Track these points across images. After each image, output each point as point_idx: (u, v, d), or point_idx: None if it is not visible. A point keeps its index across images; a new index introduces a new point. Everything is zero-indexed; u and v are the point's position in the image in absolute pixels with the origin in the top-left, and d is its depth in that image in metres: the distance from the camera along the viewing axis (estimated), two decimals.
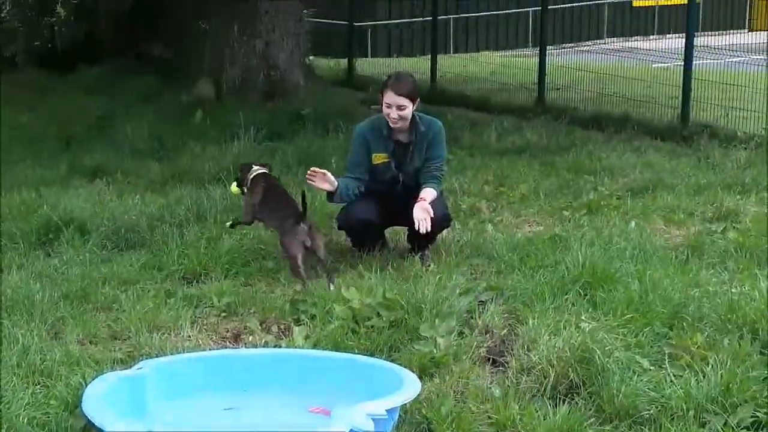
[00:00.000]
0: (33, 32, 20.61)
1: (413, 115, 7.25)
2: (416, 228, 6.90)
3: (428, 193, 7.09)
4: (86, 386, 4.77)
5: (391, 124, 7.20)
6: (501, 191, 9.50)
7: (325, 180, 7.05)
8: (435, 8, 18.60)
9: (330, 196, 7.21)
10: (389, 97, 7.14)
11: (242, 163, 8.01)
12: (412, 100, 7.16)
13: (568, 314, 5.76)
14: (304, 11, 16.83)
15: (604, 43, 26.80)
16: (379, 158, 7.28)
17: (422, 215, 6.90)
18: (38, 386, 5.00)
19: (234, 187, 7.55)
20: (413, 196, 7.08)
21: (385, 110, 7.18)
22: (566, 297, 6.12)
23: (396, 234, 7.81)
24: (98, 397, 4.55)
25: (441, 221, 7.19)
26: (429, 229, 6.90)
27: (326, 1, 23.91)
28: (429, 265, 7.01)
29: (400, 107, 7.12)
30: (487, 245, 7.52)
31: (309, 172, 7.09)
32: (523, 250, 7.26)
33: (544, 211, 8.85)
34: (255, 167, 7.48)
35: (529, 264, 6.88)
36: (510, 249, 7.29)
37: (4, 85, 18.43)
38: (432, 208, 6.96)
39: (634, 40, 27.27)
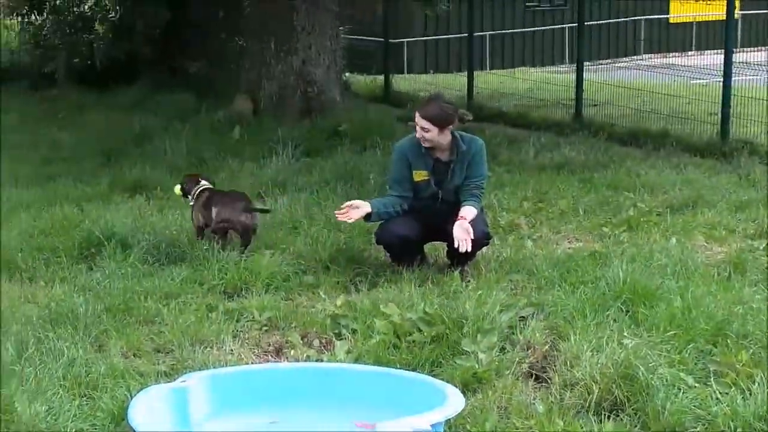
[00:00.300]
0: (72, 49, 20.74)
1: (453, 134, 7.27)
2: (457, 247, 6.94)
3: (468, 212, 7.11)
4: (131, 399, 4.80)
5: (422, 143, 7.25)
6: (540, 207, 9.48)
7: (356, 208, 7.11)
8: (471, 24, 18.59)
9: (368, 216, 7.24)
10: (416, 117, 7.25)
11: (187, 174, 8.89)
12: (436, 126, 7.18)
13: (610, 330, 5.75)
14: (341, 28, 16.87)
15: (641, 60, 26.73)
16: (419, 175, 7.31)
17: (462, 235, 6.93)
18: (84, 398, 5.05)
19: (177, 189, 8.48)
20: (453, 213, 7.11)
21: (416, 128, 7.24)
22: (608, 313, 6.10)
23: (435, 249, 7.82)
24: (144, 410, 4.57)
25: (481, 239, 7.21)
26: (469, 249, 6.94)
27: (362, 18, 23.98)
28: (469, 281, 7.01)
29: (423, 129, 7.19)
30: (526, 261, 7.52)
31: (337, 212, 7.17)
32: (564, 266, 7.26)
33: (583, 227, 8.83)
34: (202, 182, 8.34)
35: (569, 280, 6.87)
36: (550, 265, 7.29)
37: (44, 101, 18.61)
38: (472, 226, 6.99)
39: (672, 57, 27.20)
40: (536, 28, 29.00)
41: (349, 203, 7.20)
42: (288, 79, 15.08)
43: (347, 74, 19.13)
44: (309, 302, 6.82)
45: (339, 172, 10.83)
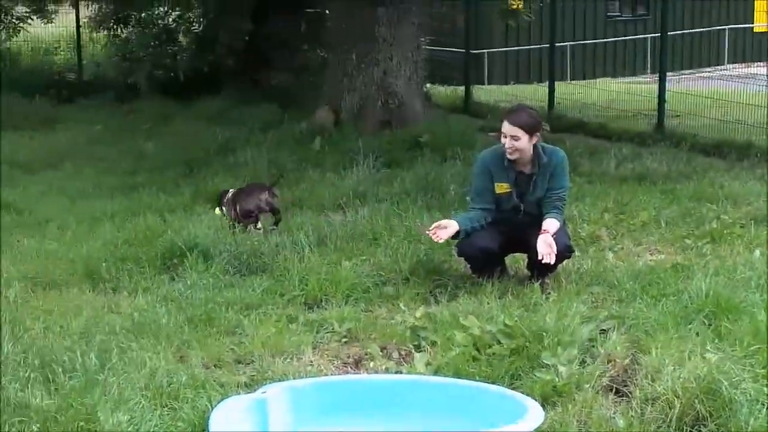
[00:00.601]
0: (156, 61, 21.00)
1: (535, 146, 7.25)
2: (539, 259, 6.93)
3: (551, 224, 7.09)
4: (212, 409, 4.84)
5: (507, 155, 7.23)
6: (621, 219, 9.40)
7: (445, 227, 7.11)
8: (553, 34, 18.52)
9: (456, 234, 7.24)
10: (505, 126, 7.22)
11: (221, 190, 9.89)
12: (527, 132, 7.17)
13: (692, 344, 5.68)
14: (422, 39, 16.88)
15: (725, 69, 26.43)
16: (501, 188, 7.31)
17: (545, 249, 6.92)
18: (165, 408, 5.10)
19: (217, 211, 9.47)
20: (535, 225, 7.10)
21: (502, 139, 7.23)
22: (690, 327, 6.04)
23: (515, 261, 7.80)
24: (224, 421, 4.61)
25: (563, 252, 7.18)
26: (552, 262, 6.93)
27: (443, 29, 24.00)
28: (549, 293, 6.98)
29: (513, 137, 7.16)
30: (607, 273, 7.47)
31: (427, 232, 7.19)
32: (645, 278, 7.20)
33: (665, 239, 8.74)
34: (230, 190, 9.54)
35: (651, 293, 6.82)
36: (631, 277, 7.24)
37: (128, 113, 18.86)
38: (555, 239, 6.98)
39: (756, 66, 26.84)
40: (618, 38, 28.80)
41: (437, 223, 7.21)
42: (369, 90, 15.12)
43: (428, 85, 19.14)
44: (389, 314, 6.83)
45: (419, 183, 10.83)
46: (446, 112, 17.86)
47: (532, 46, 26.02)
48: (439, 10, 24.01)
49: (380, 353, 6.06)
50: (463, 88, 20.43)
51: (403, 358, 6.03)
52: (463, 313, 6.37)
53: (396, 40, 15.11)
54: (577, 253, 7.86)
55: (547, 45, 18.90)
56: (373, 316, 6.75)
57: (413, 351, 6.06)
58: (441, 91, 21.03)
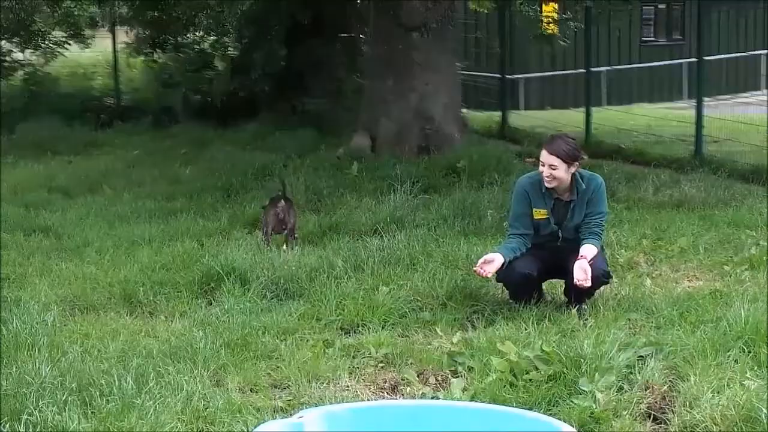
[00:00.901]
0: (193, 86, 21.14)
1: (574, 174, 7.25)
2: (575, 284, 6.92)
3: (588, 250, 7.08)
4: None
5: (545, 183, 7.23)
6: (659, 245, 9.35)
7: (491, 261, 7.11)
8: (588, 60, 18.50)
9: (502, 266, 7.23)
10: (543, 155, 7.26)
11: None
12: (565, 162, 7.18)
13: (731, 372, 5.65)
14: (458, 64, 16.91)
15: (762, 95, 26.29)
16: (539, 214, 7.32)
17: (581, 275, 6.91)
18: None
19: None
20: (573, 251, 7.09)
21: (540, 167, 7.24)
22: (729, 354, 6.00)
23: (553, 286, 7.77)
24: None
25: (600, 278, 7.16)
26: (588, 285, 6.91)
27: (479, 54, 24.04)
28: (586, 319, 6.95)
29: (551, 166, 7.18)
30: (645, 300, 7.44)
31: (475, 271, 7.19)
32: (683, 305, 7.17)
33: (703, 265, 8.69)
34: None
35: (689, 319, 6.79)
36: (669, 304, 7.21)
37: (166, 138, 18.97)
38: (592, 264, 6.96)
39: None
40: (654, 63, 28.74)
41: (483, 258, 7.20)
42: (406, 116, 15.14)
43: (464, 110, 19.16)
44: (425, 339, 6.82)
45: (457, 209, 10.81)
46: (482, 138, 17.85)
47: (568, 72, 26.01)
48: (475, 35, 24.07)
49: (417, 379, 6.05)
50: (499, 113, 20.43)
51: (440, 384, 6.02)
52: (501, 339, 6.35)
53: (432, 66, 15.14)
54: (614, 279, 7.83)
55: (583, 70, 18.87)
56: (409, 342, 6.74)
57: (450, 377, 6.05)
58: (477, 117, 21.04)
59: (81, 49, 24.15)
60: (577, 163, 7.28)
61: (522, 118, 21.17)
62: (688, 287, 8.02)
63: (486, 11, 20.10)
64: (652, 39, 29.78)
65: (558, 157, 7.18)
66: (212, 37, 21.78)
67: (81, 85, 24.39)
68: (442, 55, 15.31)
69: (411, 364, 6.29)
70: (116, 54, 23.60)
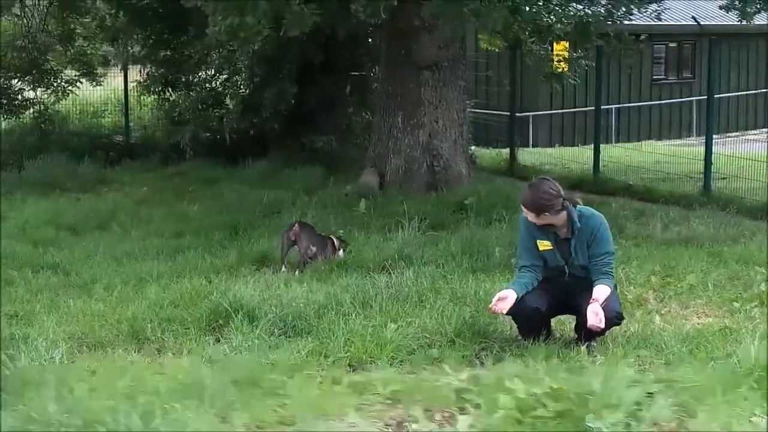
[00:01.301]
0: (203, 124, 21.20)
1: (569, 212, 7.24)
2: (589, 327, 6.92)
3: (601, 292, 7.07)
4: None
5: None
6: (668, 282, 9.34)
7: (505, 299, 7.11)
8: (598, 97, 18.53)
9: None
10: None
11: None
12: (533, 212, 7.23)
13: (741, 409, 5.61)
14: (467, 102, 16.95)
15: None
16: (543, 245, 7.33)
17: (595, 320, 6.92)
18: None
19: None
20: (581, 288, 7.10)
21: None
22: (739, 391, 5.96)
23: (562, 323, 7.75)
24: None
25: (613, 319, 7.15)
26: (601, 328, 6.92)
27: (489, 92, 24.09)
28: (596, 356, 6.93)
29: (524, 212, 7.27)
30: (654, 336, 7.42)
31: (490, 308, 7.18)
32: (693, 341, 7.15)
33: (713, 302, 8.67)
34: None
35: (698, 356, 6.77)
36: (679, 340, 7.18)
37: (175, 175, 19.01)
38: (606, 306, 6.97)
39: None
40: (663, 101, 28.79)
41: (497, 296, 7.19)
42: (415, 153, 15.19)
43: (473, 148, 19.19)
44: (433, 376, 6.77)
45: (465, 246, 10.82)
46: (491, 175, 17.87)
47: (577, 109, 26.05)
48: (486, 74, 24.14)
49: (424, 416, 6.01)
50: (507, 150, 20.46)
51: (447, 421, 5.98)
52: (509, 376, 6.32)
53: (441, 103, 15.19)
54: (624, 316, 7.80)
55: (593, 108, 18.89)
56: (417, 379, 6.70)
57: (457, 413, 6.01)
58: (486, 154, 21.06)
59: (92, 86, 24.23)
60: (548, 213, 7.24)
61: (531, 156, 21.19)
62: (698, 324, 7.99)
63: (497, 50, 20.14)
64: (662, 77, 29.82)
65: (525, 207, 7.27)
66: (224, 76, 21.85)
67: (91, 123, 24.46)
68: (452, 92, 15.36)
69: (419, 401, 6.25)
70: (127, 92, 23.69)
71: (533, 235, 7.35)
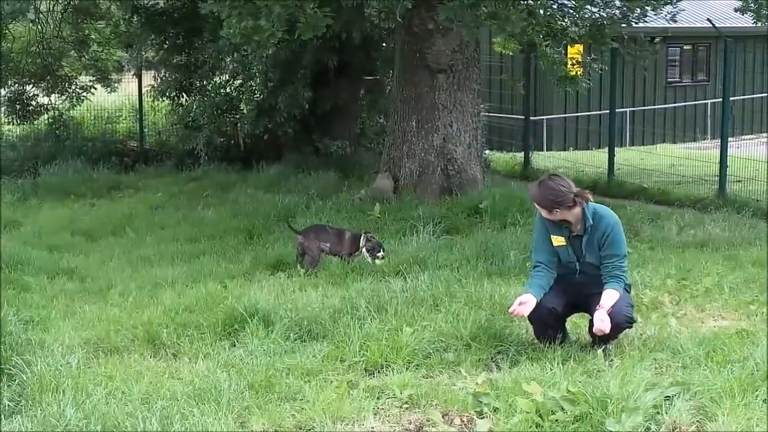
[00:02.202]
0: (217, 129, 21.23)
1: (583, 209, 7.24)
2: (595, 333, 6.98)
3: (608, 298, 7.07)
4: None
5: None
6: (684, 285, 9.32)
7: (525, 302, 7.12)
8: (613, 101, 18.50)
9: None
10: None
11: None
12: (544, 208, 7.27)
13: (759, 411, 5.60)
14: (482, 105, 16.94)
15: None
16: (557, 240, 7.35)
17: (600, 326, 6.93)
18: None
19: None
20: (594, 287, 7.15)
21: None
22: (757, 393, 5.95)
23: (577, 327, 7.73)
24: None
25: (622, 324, 7.15)
26: (606, 332, 6.96)
27: (503, 96, 24.08)
28: (611, 359, 6.91)
29: (535, 207, 7.37)
30: (671, 339, 7.40)
31: (511, 312, 7.20)
32: (709, 344, 7.11)
33: (729, 305, 8.65)
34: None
35: (715, 359, 6.73)
36: (695, 343, 7.15)
37: (189, 180, 19.04)
38: (615, 309, 6.96)
39: None
40: (678, 104, 28.75)
41: (518, 300, 7.18)
42: (429, 157, 15.17)
43: (487, 152, 19.18)
44: (450, 380, 6.78)
45: (479, 250, 10.82)
46: (505, 178, 17.88)
47: (591, 113, 26.03)
48: (500, 77, 24.17)
49: (442, 420, 6.01)
50: (521, 154, 20.45)
51: (465, 425, 5.98)
52: (526, 379, 6.32)
53: (456, 107, 15.18)
54: (639, 319, 7.80)
55: (607, 111, 18.87)
56: (434, 383, 6.69)
57: (475, 417, 6.02)
58: (500, 158, 21.06)
59: (108, 92, 24.30)
60: (559, 209, 7.24)
61: (545, 159, 21.20)
62: (714, 327, 7.97)
63: (511, 54, 20.15)
64: (677, 79, 29.79)
65: (534, 202, 7.35)
66: (238, 81, 21.88)
67: (105, 129, 24.53)
68: (466, 96, 15.34)
69: (436, 405, 6.26)
70: (141, 97, 23.76)
71: (548, 230, 7.37)
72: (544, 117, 25.88)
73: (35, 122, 23.27)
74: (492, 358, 7.18)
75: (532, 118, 21.63)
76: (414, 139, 15.25)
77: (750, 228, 12.11)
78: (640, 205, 14.49)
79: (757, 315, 8.22)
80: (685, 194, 15.42)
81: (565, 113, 26.99)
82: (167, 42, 21.48)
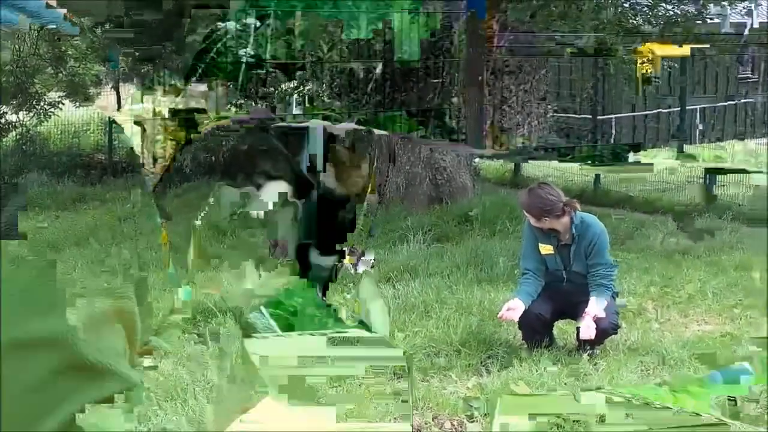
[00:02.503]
0: (203, 143, 21.20)
1: (571, 219, 7.42)
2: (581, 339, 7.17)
3: (594, 306, 7.28)
4: None
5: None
6: (666, 291, 9.46)
7: (514, 308, 7.31)
8: (595, 107, 18.50)
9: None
10: None
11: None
12: (530, 214, 7.46)
13: None
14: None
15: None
16: (545, 249, 7.53)
17: (585, 333, 7.15)
18: None
19: None
20: (581, 294, 7.34)
21: None
22: None
23: (563, 331, 7.88)
24: None
25: (607, 330, 7.39)
26: (590, 338, 7.17)
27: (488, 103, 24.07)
28: (596, 363, 7.08)
29: (525, 214, 7.51)
30: (656, 344, 7.55)
31: (500, 317, 7.41)
32: (694, 347, 7.27)
33: (712, 310, 8.80)
34: None
35: (701, 360, 6.87)
36: (680, 347, 7.30)
37: (174, 196, 19.03)
38: (600, 318, 7.19)
39: None
40: (662, 110, 28.70)
41: (506, 306, 7.39)
42: (415, 169, 15.16)
43: (477, 159, 19.25)
44: (440, 384, 6.91)
45: (469, 257, 10.92)
46: (495, 186, 17.94)
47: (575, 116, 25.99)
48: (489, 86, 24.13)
49: (432, 423, 6.14)
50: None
51: (456, 429, 6.11)
52: (514, 380, 6.46)
53: None
54: (623, 325, 7.94)
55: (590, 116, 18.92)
56: (425, 387, 6.84)
57: (465, 421, 6.14)
58: (491, 165, 21.13)
59: (75, 107, 24.21)
60: (548, 218, 7.43)
61: (535, 167, 21.23)
62: (698, 331, 8.12)
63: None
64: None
65: (524, 209, 7.55)
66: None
67: (72, 143, 24.41)
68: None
69: (426, 409, 6.38)
70: (119, 109, 23.62)
71: (536, 238, 7.54)
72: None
73: (3, 140, 23.11)
74: (482, 363, 7.31)
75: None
76: (399, 151, 15.27)
77: (731, 232, 12.20)
78: (625, 213, 14.58)
79: (741, 318, 8.38)
80: (669, 201, 15.49)
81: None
82: (136, 52, 21.39)
